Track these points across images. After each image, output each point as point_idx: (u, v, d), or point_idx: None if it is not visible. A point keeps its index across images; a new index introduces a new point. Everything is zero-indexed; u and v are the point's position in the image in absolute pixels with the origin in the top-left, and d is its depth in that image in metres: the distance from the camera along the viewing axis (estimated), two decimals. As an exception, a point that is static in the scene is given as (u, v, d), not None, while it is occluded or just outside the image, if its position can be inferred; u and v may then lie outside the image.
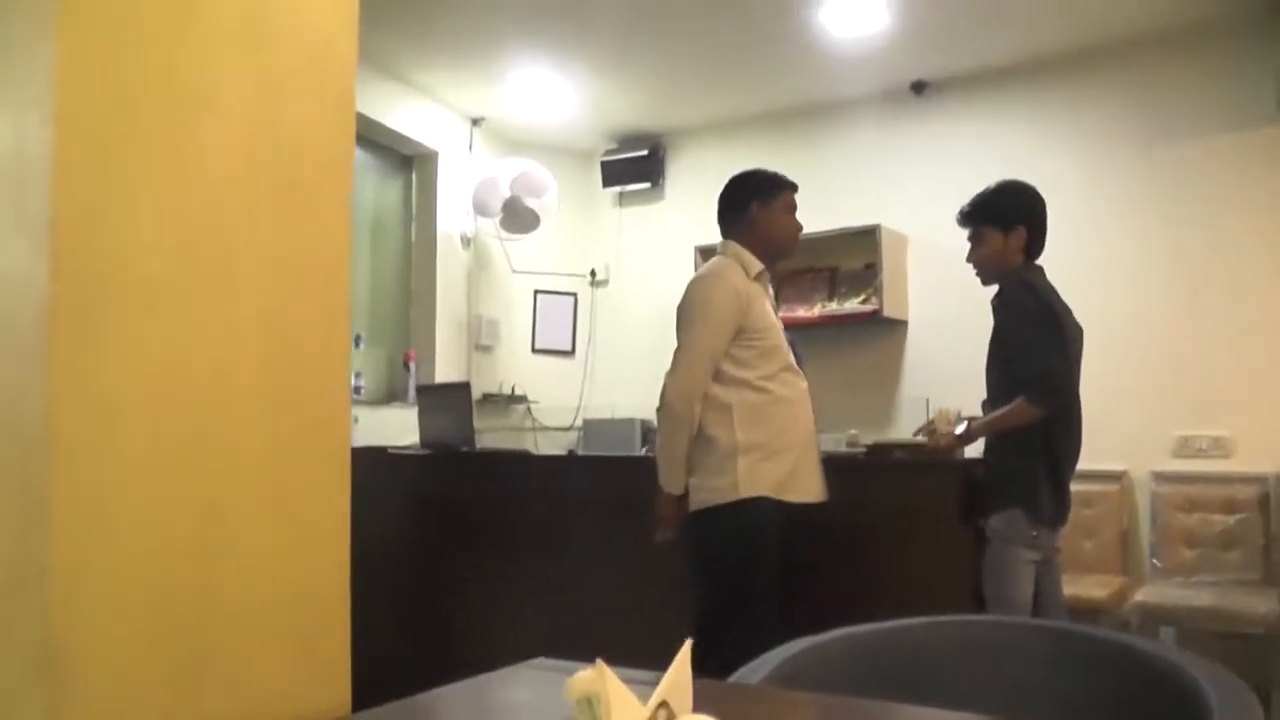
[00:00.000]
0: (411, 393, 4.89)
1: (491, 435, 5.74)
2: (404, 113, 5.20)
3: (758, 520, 2.77)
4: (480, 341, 5.75)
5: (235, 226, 1.10)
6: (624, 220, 6.24)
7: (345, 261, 1.21)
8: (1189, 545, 4.17)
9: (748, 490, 2.77)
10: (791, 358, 2.97)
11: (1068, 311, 2.92)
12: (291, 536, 1.22)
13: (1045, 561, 2.90)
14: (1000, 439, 2.88)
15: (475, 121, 5.72)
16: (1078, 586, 3.99)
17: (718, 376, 2.84)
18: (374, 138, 5.18)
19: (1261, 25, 4.27)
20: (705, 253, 5.51)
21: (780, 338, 2.93)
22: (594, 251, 6.27)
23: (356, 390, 4.89)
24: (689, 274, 5.54)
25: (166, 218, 1.05)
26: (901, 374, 5.18)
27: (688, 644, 1.06)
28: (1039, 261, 3.04)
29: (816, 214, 5.24)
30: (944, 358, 4.95)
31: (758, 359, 2.85)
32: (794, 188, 3.08)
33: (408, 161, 5.52)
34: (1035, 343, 2.78)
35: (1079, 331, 2.96)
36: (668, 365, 2.93)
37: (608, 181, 6.09)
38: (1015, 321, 2.84)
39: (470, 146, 5.71)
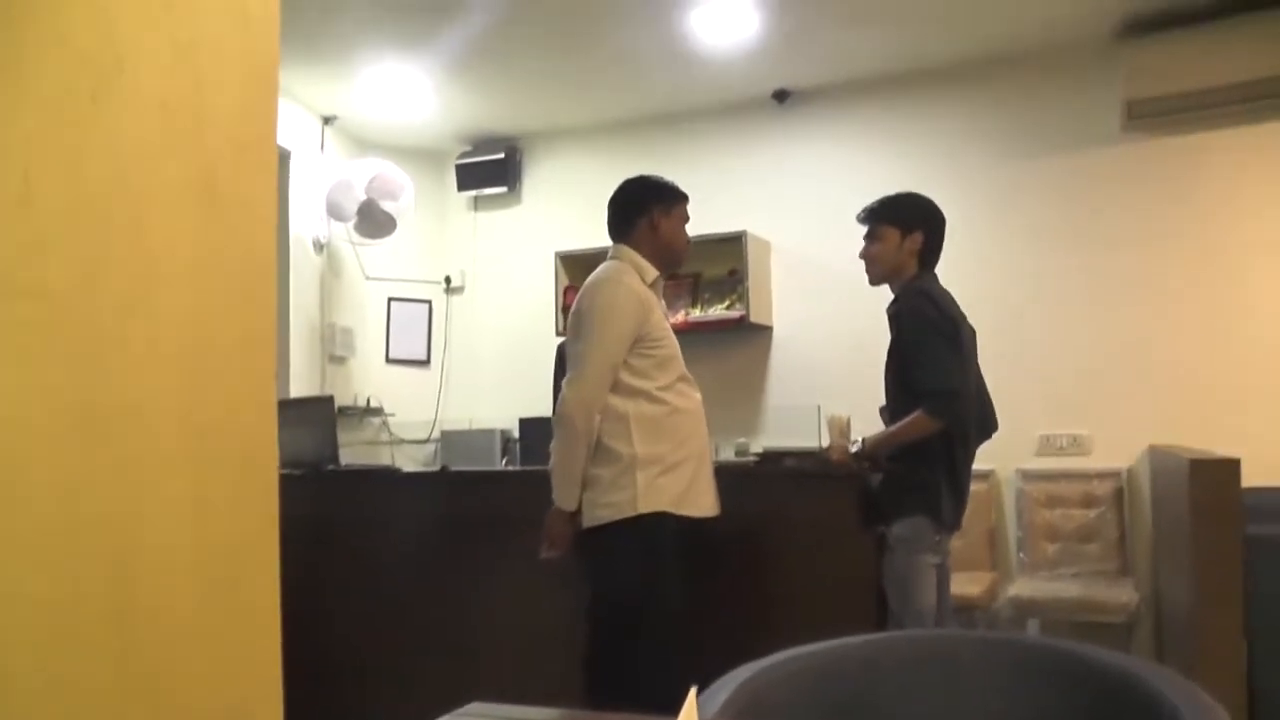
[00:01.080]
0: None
1: (348, 450, 5.43)
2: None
3: (658, 537, 2.68)
4: (334, 352, 5.45)
5: (153, 220, 0.91)
6: (479, 225, 6.06)
7: (272, 262, 1.04)
8: (1051, 540, 4.33)
9: (647, 505, 2.66)
10: (685, 368, 2.89)
11: (963, 318, 2.95)
12: (216, 597, 1.03)
13: (940, 565, 2.92)
14: (902, 447, 2.87)
15: (327, 120, 5.43)
16: (952, 584, 4.07)
17: (614, 386, 2.73)
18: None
19: (1107, 51, 4.48)
20: (566, 259, 5.42)
21: (676, 347, 2.85)
22: (449, 258, 6.06)
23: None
24: (548, 280, 5.51)
25: (70, 210, 0.85)
26: (768, 380, 5.19)
27: (693, 693, 0.96)
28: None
29: (681, 220, 5.24)
30: (809, 363, 5.02)
31: (655, 369, 2.75)
32: (688, 199, 3.01)
33: (252, 161, 5.17)
34: (935, 355, 2.78)
35: (972, 334, 3.00)
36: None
37: (463, 185, 5.90)
38: (915, 332, 2.84)
39: (322, 146, 5.41)
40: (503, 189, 5.87)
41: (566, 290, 5.47)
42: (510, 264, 5.87)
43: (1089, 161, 4.57)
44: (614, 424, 2.71)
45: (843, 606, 2.90)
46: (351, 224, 5.26)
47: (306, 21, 4.28)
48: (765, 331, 5.17)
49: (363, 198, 5.16)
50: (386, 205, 5.18)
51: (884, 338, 2.98)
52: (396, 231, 5.38)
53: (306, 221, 5.27)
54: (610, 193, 3.00)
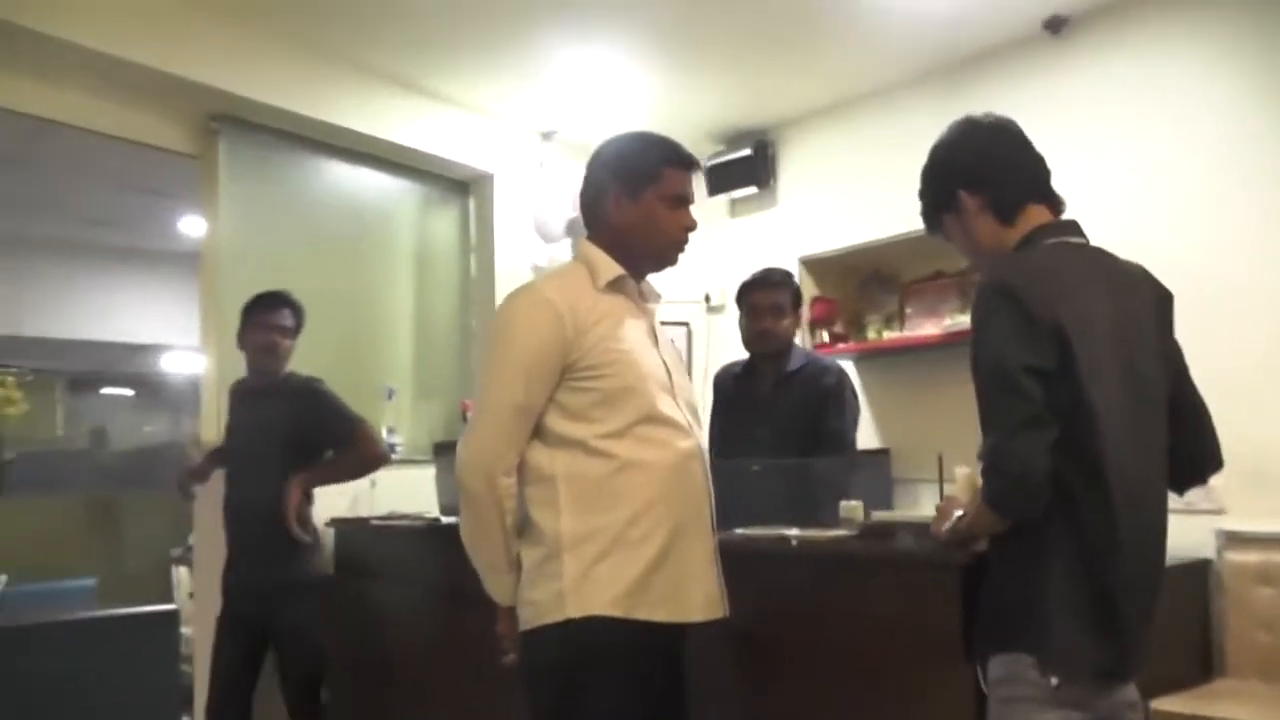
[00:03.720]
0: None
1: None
2: (453, 135, 4.57)
3: (593, 651, 1.86)
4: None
5: None
6: (737, 233, 5.32)
7: None
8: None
9: (578, 607, 1.85)
10: (665, 404, 1.96)
11: (1104, 294, 1.76)
12: None
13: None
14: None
15: (546, 136, 5.02)
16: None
17: (540, 434, 1.93)
18: (416, 165, 4.61)
19: None
20: (812, 265, 4.58)
21: (640, 373, 1.95)
22: (706, 272, 5.38)
23: (392, 448, 4.30)
24: (806, 290, 4.62)
25: None
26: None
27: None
28: (1065, 217, 1.94)
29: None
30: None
31: (597, 408, 1.90)
32: (681, 163, 2.08)
33: (462, 188, 4.89)
34: (995, 398, 1.65)
35: (1159, 300, 1.85)
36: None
37: (714, 189, 5.18)
38: (976, 351, 1.72)
39: (541, 164, 5.01)
40: (753, 189, 5.11)
41: (814, 301, 4.58)
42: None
43: None
44: (538, 488, 1.93)
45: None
46: (567, 244, 4.79)
47: (504, 39, 3.99)
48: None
49: (572, 214, 4.67)
50: (594, 220, 4.63)
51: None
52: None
53: (522, 247, 4.88)
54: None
